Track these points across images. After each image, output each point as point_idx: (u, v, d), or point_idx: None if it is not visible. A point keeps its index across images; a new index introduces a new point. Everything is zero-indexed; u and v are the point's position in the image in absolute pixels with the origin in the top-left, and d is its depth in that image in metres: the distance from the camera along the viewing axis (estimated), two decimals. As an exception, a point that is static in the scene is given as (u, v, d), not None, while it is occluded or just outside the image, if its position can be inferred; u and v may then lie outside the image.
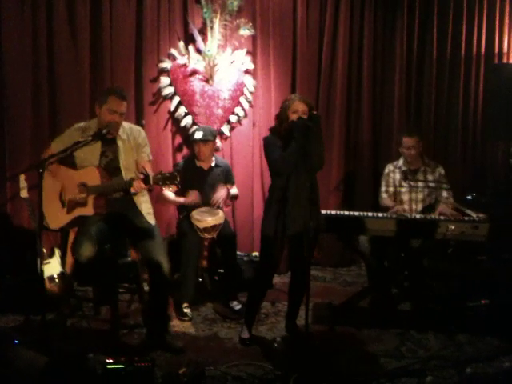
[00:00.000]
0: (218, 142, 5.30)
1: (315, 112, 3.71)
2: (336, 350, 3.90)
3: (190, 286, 4.48)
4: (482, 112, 5.86)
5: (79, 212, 3.80)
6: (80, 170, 3.83)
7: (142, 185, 3.57)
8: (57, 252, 4.36)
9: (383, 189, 4.85)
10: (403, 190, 4.75)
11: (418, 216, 4.34)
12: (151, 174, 3.54)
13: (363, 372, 3.57)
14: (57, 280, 4.20)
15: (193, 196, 4.65)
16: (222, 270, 4.84)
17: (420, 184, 4.70)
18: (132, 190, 3.71)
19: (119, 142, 3.89)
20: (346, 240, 4.62)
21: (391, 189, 4.80)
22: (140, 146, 3.96)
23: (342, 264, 5.86)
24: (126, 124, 4.00)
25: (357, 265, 5.82)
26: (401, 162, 4.83)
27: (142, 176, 3.55)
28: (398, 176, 4.79)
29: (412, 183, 4.71)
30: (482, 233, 4.08)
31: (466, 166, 5.90)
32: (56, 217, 3.88)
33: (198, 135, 4.71)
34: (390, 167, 4.88)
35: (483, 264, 4.71)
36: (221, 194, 4.72)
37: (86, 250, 3.66)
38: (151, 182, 3.50)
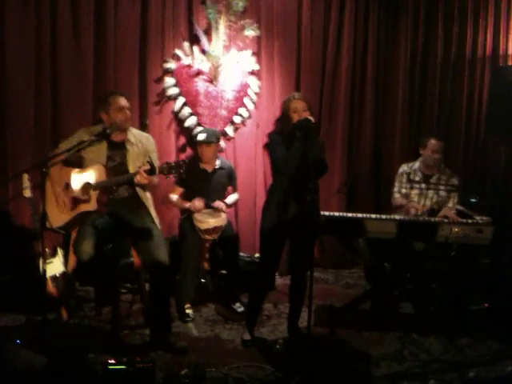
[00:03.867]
0: (222, 143, 5.29)
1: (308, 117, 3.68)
2: (337, 353, 3.90)
3: (191, 286, 4.49)
4: (485, 114, 5.83)
5: (82, 208, 3.83)
6: (86, 169, 3.87)
7: (145, 175, 3.61)
8: (59, 252, 4.36)
9: (396, 189, 4.76)
10: (413, 193, 4.69)
11: (420, 218, 4.33)
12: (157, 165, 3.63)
13: (365, 375, 3.57)
14: (59, 280, 4.20)
15: (197, 204, 4.63)
16: (224, 272, 4.84)
17: (430, 193, 4.64)
18: (136, 181, 3.72)
19: (128, 146, 3.93)
20: (346, 242, 4.61)
21: (403, 190, 4.73)
22: (149, 152, 3.98)
23: (344, 266, 5.85)
24: (134, 130, 4.08)
25: (359, 267, 5.81)
26: (417, 164, 4.71)
27: (146, 167, 3.60)
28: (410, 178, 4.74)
29: (423, 189, 4.66)
30: (486, 236, 4.07)
31: (467, 168, 5.88)
32: (58, 215, 3.90)
33: (201, 137, 4.70)
34: (404, 168, 4.77)
35: (486, 267, 4.69)
36: (220, 205, 4.72)
37: (87, 247, 3.67)
38: (156, 172, 3.57)
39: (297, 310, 4.08)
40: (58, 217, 3.90)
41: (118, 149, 3.93)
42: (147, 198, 4.04)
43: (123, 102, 3.90)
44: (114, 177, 3.83)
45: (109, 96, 3.92)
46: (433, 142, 4.61)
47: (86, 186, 3.80)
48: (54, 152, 3.89)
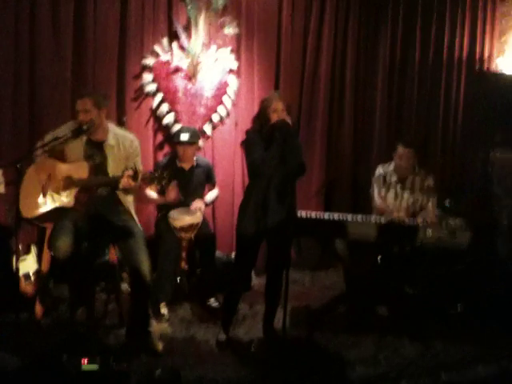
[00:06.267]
0: (200, 142, 5.26)
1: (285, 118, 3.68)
2: (313, 355, 3.90)
3: (167, 286, 4.43)
4: (462, 119, 5.89)
5: (58, 203, 3.76)
6: (70, 163, 3.82)
7: (131, 181, 3.56)
8: (33, 249, 4.30)
9: (376, 192, 4.74)
10: (389, 196, 4.70)
11: (398, 221, 4.35)
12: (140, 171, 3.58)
13: (340, 378, 3.58)
14: (32, 278, 4.13)
15: (172, 193, 4.60)
16: (199, 270, 4.82)
17: (405, 194, 4.66)
18: (121, 186, 3.67)
19: (107, 149, 3.86)
20: (325, 243, 4.62)
21: (382, 192, 4.73)
22: (131, 156, 3.93)
23: (321, 267, 5.85)
24: (118, 131, 4.02)
25: (335, 268, 5.81)
26: (392, 166, 4.72)
27: (131, 172, 3.55)
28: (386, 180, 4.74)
29: (397, 192, 4.68)
30: (462, 241, 4.11)
31: (444, 173, 5.93)
32: (33, 206, 3.81)
33: (184, 137, 4.66)
34: (380, 170, 4.77)
35: (461, 270, 4.73)
36: (198, 206, 4.68)
37: (64, 244, 3.63)
38: (139, 179, 3.54)
39: (272, 310, 4.06)
40: (33, 207, 3.83)
41: (98, 148, 3.88)
42: (128, 200, 4.00)
43: (77, 105, 3.85)
44: (95, 176, 3.79)
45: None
46: (400, 149, 4.60)
47: (68, 182, 3.74)
48: (39, 142, 3.86)
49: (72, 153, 3.83)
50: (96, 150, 3.87)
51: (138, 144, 4.08)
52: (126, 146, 3.95)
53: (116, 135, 3.94)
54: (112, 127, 3.98)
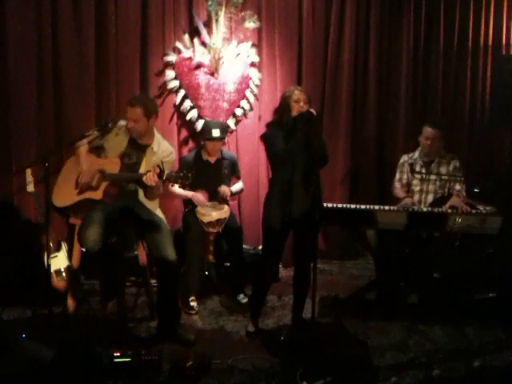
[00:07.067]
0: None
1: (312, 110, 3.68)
2: (342, 343, 3.89)
3: (196, 278, 4.49)
4: (489, 104, 5.82)
5: (88, 195, 3.85)
6: (104, 158, 3.93)
7: (156, 177, 3.61)
8: (63, 246, 4.38)
9: (397, 178, 4.83)
10: (415, 181, 4.73)
11: (425, 209, 4.36)
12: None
13: (369, 365, 3.57)
14: (63, 273, 4.22)
15: (200, 197, 4.65)
16: (227, 264, 4.85)
17: (432, 176, 4.67)
18: (145, 181, 3.70)
19: (148, 153, 3.92)
20: (353, 233, 4.63)
21: (404, 180, 4.79)
22: (164, 164, 3.96)
23: (349, 257, 5.85)
24: (162, 140, 4.08)
25: (363, 258, 5.80)
26: (416, 153, 4.77)
27: (157, 170, 3.61)
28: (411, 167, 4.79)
29: (424, 176, 4.68)
30: (492, 226, 4.08)
31: (472, 158, 5.87)
32: (65, 196, 3.93)
33: (216, 133, 4.68)
34: (405, 158, 4.84)
35: (491, 257, 4.68)
36: (225, 190, 4.73)
37: (92, 235, 3.67)
38: (164, 178, 3.58)
39: (301, 301, 4.06)
40: (64, 197, 3.93)
41: (138, 149, 3.95)
42: (153, 203, 4.05)
43: (128, 113, 3.87)
44: (126, 171, 3.87)
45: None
46: (426, 128, 4.65)
47: (99, 174, 3.81)
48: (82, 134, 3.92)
49: (113, 147, 3.92)
50: (136, 151, 3.95)
51: (174, 156, 4.16)
52: (164, 155, 4.00)
53: (159, 143, 4.03)
54: (157, 135, 4.04)
